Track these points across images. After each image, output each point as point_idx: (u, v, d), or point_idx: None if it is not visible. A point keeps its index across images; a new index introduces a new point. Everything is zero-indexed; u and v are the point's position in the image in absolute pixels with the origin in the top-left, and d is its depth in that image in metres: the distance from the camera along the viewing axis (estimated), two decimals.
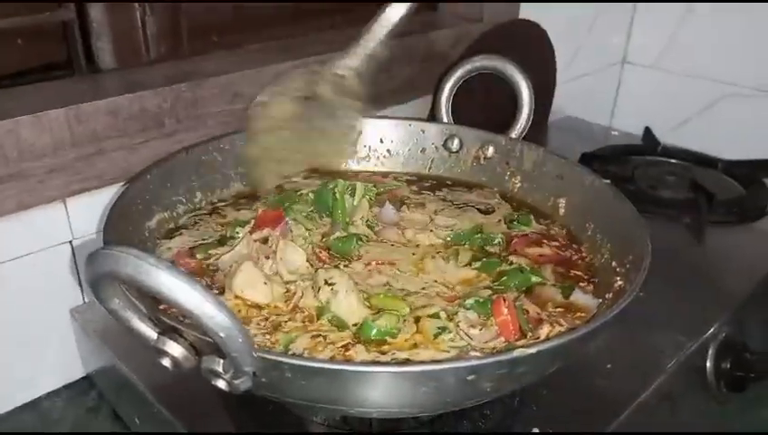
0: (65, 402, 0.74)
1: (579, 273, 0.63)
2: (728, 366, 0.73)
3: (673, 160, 1.09)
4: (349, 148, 0.76)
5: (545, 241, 0.67)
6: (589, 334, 0.47)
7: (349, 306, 0.55)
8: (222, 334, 0.39)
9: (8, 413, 0.72)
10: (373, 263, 0.63)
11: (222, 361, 0.43)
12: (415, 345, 0.53)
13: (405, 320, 0.55)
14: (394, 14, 0.64)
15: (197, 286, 0.38)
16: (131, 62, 0.81)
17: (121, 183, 0.72)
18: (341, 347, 0.52)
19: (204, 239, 0.65)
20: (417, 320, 0.55)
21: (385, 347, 0.52)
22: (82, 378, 0.77)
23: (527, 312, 0.56)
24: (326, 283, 0.56)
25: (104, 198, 0.72)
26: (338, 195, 0.67)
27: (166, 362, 0.45)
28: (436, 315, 0.55)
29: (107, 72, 0.79)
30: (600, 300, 0.58)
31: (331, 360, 0.50)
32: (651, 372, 0.66)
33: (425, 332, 0.54)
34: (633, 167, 1.05)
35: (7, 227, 0.67)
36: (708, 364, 0.72)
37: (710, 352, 0.73)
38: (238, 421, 0.60)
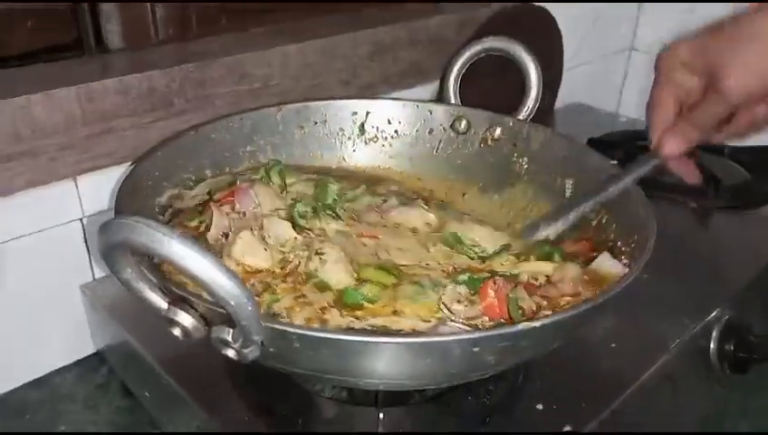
0: (75, 379, 0.75)
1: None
2: (731, 348, 0.73)
3: None
4: None
5: None
6: (590, 311, 0.47)
7: (336, 274, 0.57)
8: (232, 302, 0.40)
9: (18, 389, 0.73)
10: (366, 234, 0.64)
11: (231, 330, 0.43)
12: (395, 312, 0.54)
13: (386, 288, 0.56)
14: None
15: (208, 255, 0.38)
16: (140, 44, 0.81)
17: (131, 161, 0.73)
18: (319, 309, 0.54)
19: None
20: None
21: (359, 312, 0.54)
22: (93, 354, 0.78)
23: (522, 309, 0.55)
24: (317, 253, 0.57)
25: (114, 176, 0.73)
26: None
27: (176, 331, 0.46)
28: (418, 283, 0.56)
29: (116, 52, 0.80)
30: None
31: (337, 330, 0.50)
32: (655, 352, 0.66)
33: (399, 294, 0.55)
34: (638, 152, 1.05)
35: (18, 204, 0.68)
36: (712, 346, 0.73)
37: (714, 334, 0.73)
38: (246, 394, 0.61)
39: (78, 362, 0.77)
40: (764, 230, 0.91)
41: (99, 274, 0.77)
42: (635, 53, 1.42)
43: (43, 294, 0.73)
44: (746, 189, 0.97)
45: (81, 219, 0.74)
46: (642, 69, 1.41)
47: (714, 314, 0.73)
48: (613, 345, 0.67)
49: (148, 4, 0.82)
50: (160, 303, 0.45)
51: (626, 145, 1.07)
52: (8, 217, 0.68)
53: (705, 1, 1.17)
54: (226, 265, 0.39)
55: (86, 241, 0.75)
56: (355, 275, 0.58)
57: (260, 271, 0.58)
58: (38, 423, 0.70)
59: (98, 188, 0.73)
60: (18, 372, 0.74)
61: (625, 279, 0.48)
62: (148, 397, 0.68)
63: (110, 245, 0.40)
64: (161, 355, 0.64)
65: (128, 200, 0.56)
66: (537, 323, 0.43)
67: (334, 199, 0.69)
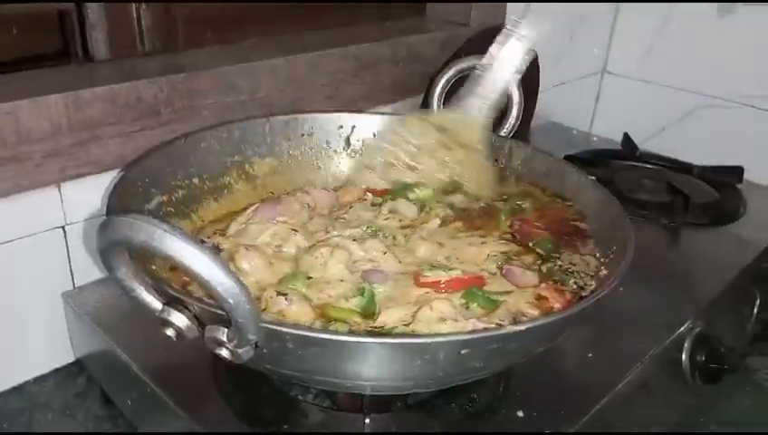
0: (53, 387, 0.75)
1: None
2: (703, 359, 0.76)
3: (650, 165, 1.13)
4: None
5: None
6: (574, 316, 0.49)
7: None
8: (231, 301, 0.40)
9: None
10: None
11: (226, 330, 0.44)
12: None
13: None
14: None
15: (208, 253, 0.39)
16: (126, 53, 0.82)
17: (116, 170, 0.73)
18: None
19: None
20: None
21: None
22: (71, 363, 0.77)
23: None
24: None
25: (98, 184, 0.73)
26: None
27: (170, 332, 0.46)
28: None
29: (102, 61, 0.80)
30: None
31: (332, 331, 0.51)
32: (630, 362, 0.68)
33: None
34: (613, 170, 1.08)
35: (1, 210, 0.68)
36: (684, 357, 0.75)
37: (686, 345, 0.76)
38: (231, 401, 0.61)
39: (57, 371, 0.76)
40: (731, 246, 0.94)
41: (79, 282, 0.76)
42: (607, 75, 1.46)
43: (23, 301, 0.73)
44: (714, 207, 1.01)
45: (63, 227, 0.73)
46: (614, 90, 1.46)
47: (685, 325, 0.75)
48: (590, 355, 0.69)
49: (135, 15, 0.82)
50: (155, 303, 0.46)
51: (599, 163, 1.11)
52: None
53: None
54: (226, 264, 0.40)
55: (68, 249, 0.74)
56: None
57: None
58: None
59: (81, 196, 0.73)
60: None
61: (609, 284, 0.50)
62: (131, 405, 0.68)
63: (109, 242, 0.41)
64: (145, 363, 0.64)
65: (118, 203, 0.57)
66: (522, 327, 0.45)
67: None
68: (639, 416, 0.71)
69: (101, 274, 0.76)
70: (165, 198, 0.67)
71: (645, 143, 1.21)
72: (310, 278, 0.61)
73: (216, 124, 0.75)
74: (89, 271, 0.76)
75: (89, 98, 0.70)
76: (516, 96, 0.78)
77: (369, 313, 0.57)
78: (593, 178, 0.69)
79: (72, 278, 0.76)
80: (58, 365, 0.77)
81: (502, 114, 0.78)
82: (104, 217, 0.40)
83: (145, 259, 0.52)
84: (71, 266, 0.75)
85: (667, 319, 0.75)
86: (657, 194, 1.02)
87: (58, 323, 0.76)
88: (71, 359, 0.78)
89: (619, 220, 0.61)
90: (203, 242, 0.64)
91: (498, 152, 0.77)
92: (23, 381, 0.75)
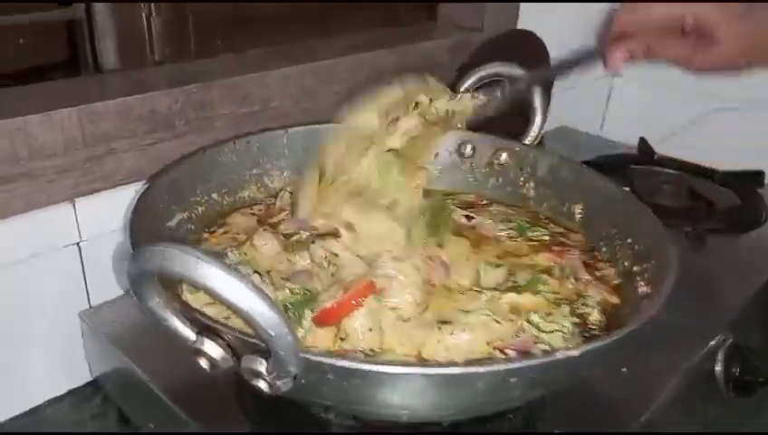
0: (69, 408, 0.72)
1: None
2: (737, 371, 0.74)
3: (669, 170, 1.11)
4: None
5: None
6: (627, 337, 0.47)
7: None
8: (272, 332, 0.38)
9: (9, 420, 0.70)
10: None
11: (263, 361, 0.42)
12: None
13: None
14: None
15: (249, 283, 0.37)
16: (135, 63, 0.80)
17: (130, 184, 0.71)
18: None
19: None
20: None
21: None
22: (86, 384, 0.75)
23: None
24: None
25: (112, 199, 0.71)
26: None
27: (203, 362, 0.44)
28: None
29: (112, 72, 0.78)
30: None
31: (376, 362, 0.49)
32: (664, 377, 0.67)
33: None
34: (631, 175, 1.06)
35: (15, 227, 0.66)
36: (717, 369, 0.73)
37: (719, 357, 0.74)
38: (256, 423, 0.59)
39: (71, 392, 0.74)
40: (756, 253, 0.92)
41: (95, 300, 0.74)
42: (617, 79, 1.45)
43: (38, 321, 0.70)
44: (738, 213, 0.99)
45: (78, 243, 0.71)
46: (625, 93, 1.44)
47: (717, 337, 0.73)
48: (624, 370, 0.67)
49: (145, 22, 0.80)
50: (188, 333, 0.43)
51: (617, 168, 1.09)
52: (4, 241, 0.66)
53: None
54: (267, 294, 0.38)
55: (83, 266, 0.72)
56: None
57: None
58: None
59: (96, 212, 0.71)
60: (10, 401, 0.70)
61: (655, 304, 0.48)
62: (153, 428, 0.65)
63: (142, 272, 0.39)
64: (168, 384, 0.62)
65: (141, 223, 0.55)
66: (576, 352, 0.43)
67: None
68: (675, 431, 0.69)
69: (117, 291, 0.74)
70: (186, 214, 0.65)
71: (656, 147, 1.19)
72: None
73: (233, 136, 0.73)
74: (105, 289, 0.74)
75: (103, 111, 0.68)
76: (539, 102, 0.76)
77: None
78: (626, 188, 0.67)
79: (88, 296, 0.74)
80: (74, 386, 0.74)
81: (525, 121, 0.76)
82: (136, 248, 0.38)
83: (174, 285, 0.50)
84: (86, 284, 0.73)
85: (698, 330, 0.73)
86: (677, 199, 1.00)
87: (74, 343, 0.73)
88: (87, 379, 0.75)
89: (656, 234, 0.59)
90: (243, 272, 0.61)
91: (523, 161, 0.75)
92: (39, 402, 0.72)
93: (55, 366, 0.73)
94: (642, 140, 1.18)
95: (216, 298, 0.38)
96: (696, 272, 0.86)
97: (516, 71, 0.75)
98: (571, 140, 1.30)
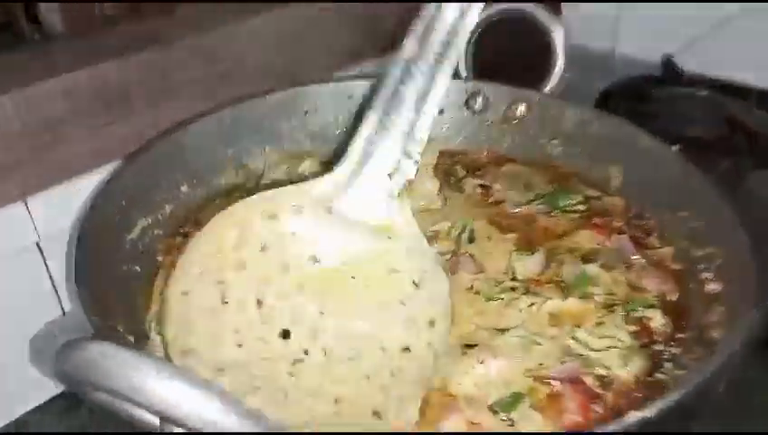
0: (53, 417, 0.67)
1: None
2: None
3: (701, 93, 0.98)
4: None
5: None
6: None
7: None
8: None
9: None
10: None
11: None
12: None
13: None
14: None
15: (218, 397, 0.28)
16: (82, 24, 0.69)
17: (87, 174, 0.63)
18: None
19: None
20: None
21: None
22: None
23: None
24: None
25: (70, 192, 0.63)
26: None
27: None
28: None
29: (56, 40, 0.68)
30: None
31: None
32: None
33: None
34: (656, 101, 0.94)
35: None
36: None
37: None
38: None
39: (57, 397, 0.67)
40: None
41: (68, 305, 0.66)
42: None
43: (8, 331, 0.63)
44: None
45: (37, 243, 0.63)
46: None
47: None
48: None
49: None
50: (152, 419, 0.34)
51: (639, 93, 0.96)
52: None
53: None
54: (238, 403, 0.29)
55: (47, 266, 0.65)
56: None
57: None
58: None
59: (52, 207, 0.63)
60: None
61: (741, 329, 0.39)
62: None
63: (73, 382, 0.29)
64: None
65: (89, 255, 0.44)
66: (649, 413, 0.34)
67: None
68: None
69: None
70: (150, 219, 0.56)
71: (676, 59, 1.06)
72: None
73: (200, 114, 0.63)
74: None
75: (43, 94, 0.59)
76: (560, 42, 0.65)
77: None
78: (676, 148, 0.56)
79: (60, 303, 0.67)
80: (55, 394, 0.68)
81: (545, 67, 0.65)
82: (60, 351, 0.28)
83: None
84: (55, 289, 0.66)
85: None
86: (712, 129, 0.89)
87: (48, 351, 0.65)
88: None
89: (718, 208, 0.49)
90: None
91: (544, 115, 0.64)
92: (20, 413, 0.66)
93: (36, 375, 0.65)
94: (667, 59, 1.05)
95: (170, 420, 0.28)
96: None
97: (529, 7, 0.63)
98: (584, 62, 1.16)
